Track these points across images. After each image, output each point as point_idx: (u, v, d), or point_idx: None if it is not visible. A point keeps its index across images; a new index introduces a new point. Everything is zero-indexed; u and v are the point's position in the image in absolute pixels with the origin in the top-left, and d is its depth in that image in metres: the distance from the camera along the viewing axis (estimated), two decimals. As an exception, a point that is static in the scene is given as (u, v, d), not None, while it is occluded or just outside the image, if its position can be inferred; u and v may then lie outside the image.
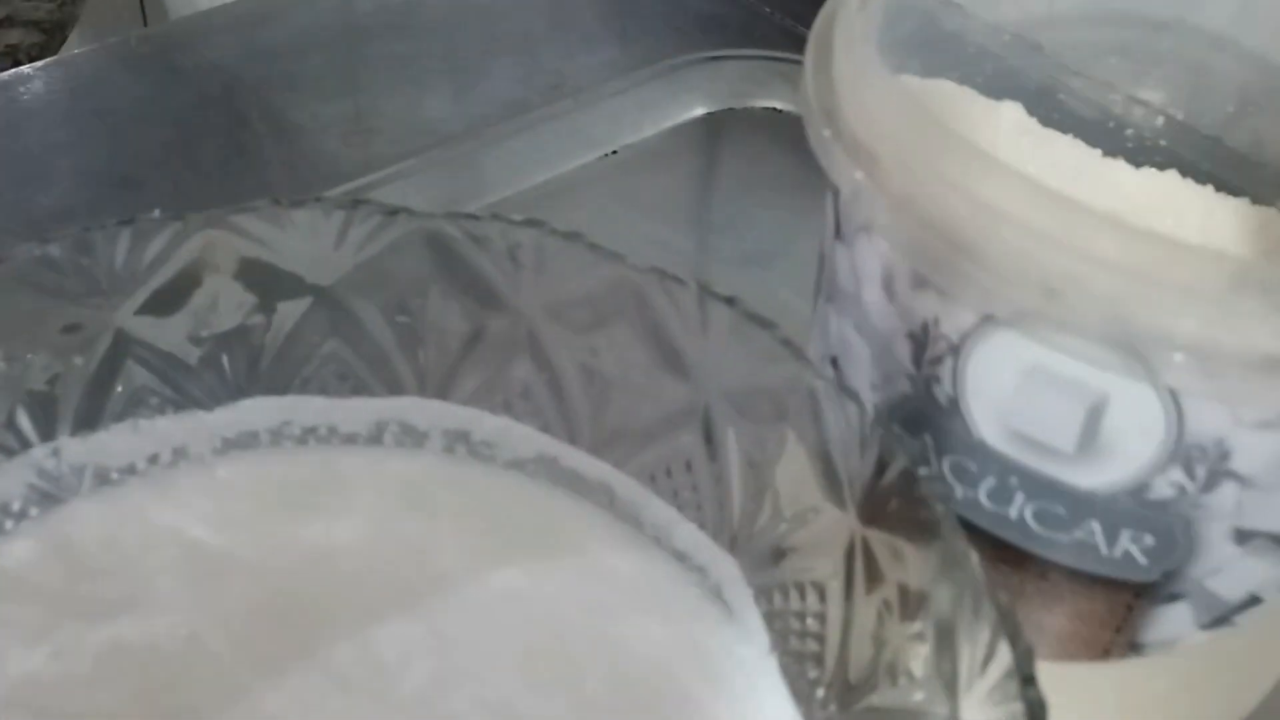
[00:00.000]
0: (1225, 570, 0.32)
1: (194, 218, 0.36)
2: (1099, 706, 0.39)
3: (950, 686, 0.29)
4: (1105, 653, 0.35)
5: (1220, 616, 0.34)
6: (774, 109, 0.66)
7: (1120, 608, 0.34)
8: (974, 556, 0.29)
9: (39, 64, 0.65)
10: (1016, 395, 0.31)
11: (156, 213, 0.35)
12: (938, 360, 0.32)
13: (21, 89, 0.63)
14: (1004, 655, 0.28)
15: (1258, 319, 0.27)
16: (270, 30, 0.67)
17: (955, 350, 0.32)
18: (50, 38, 0.87)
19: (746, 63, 0.66)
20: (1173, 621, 0.34)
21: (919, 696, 0.30)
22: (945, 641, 0.30)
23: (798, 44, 0.63)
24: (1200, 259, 0.28)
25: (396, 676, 0.34)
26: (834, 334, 0.37)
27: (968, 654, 0.29)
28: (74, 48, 0.86)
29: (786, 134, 0.66)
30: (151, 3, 0.97)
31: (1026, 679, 0.27)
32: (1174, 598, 0.33)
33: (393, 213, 0.37)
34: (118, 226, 0.35)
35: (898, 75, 0.36)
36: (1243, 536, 0.31)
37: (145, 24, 0.97)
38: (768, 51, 0.67)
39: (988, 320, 0.30)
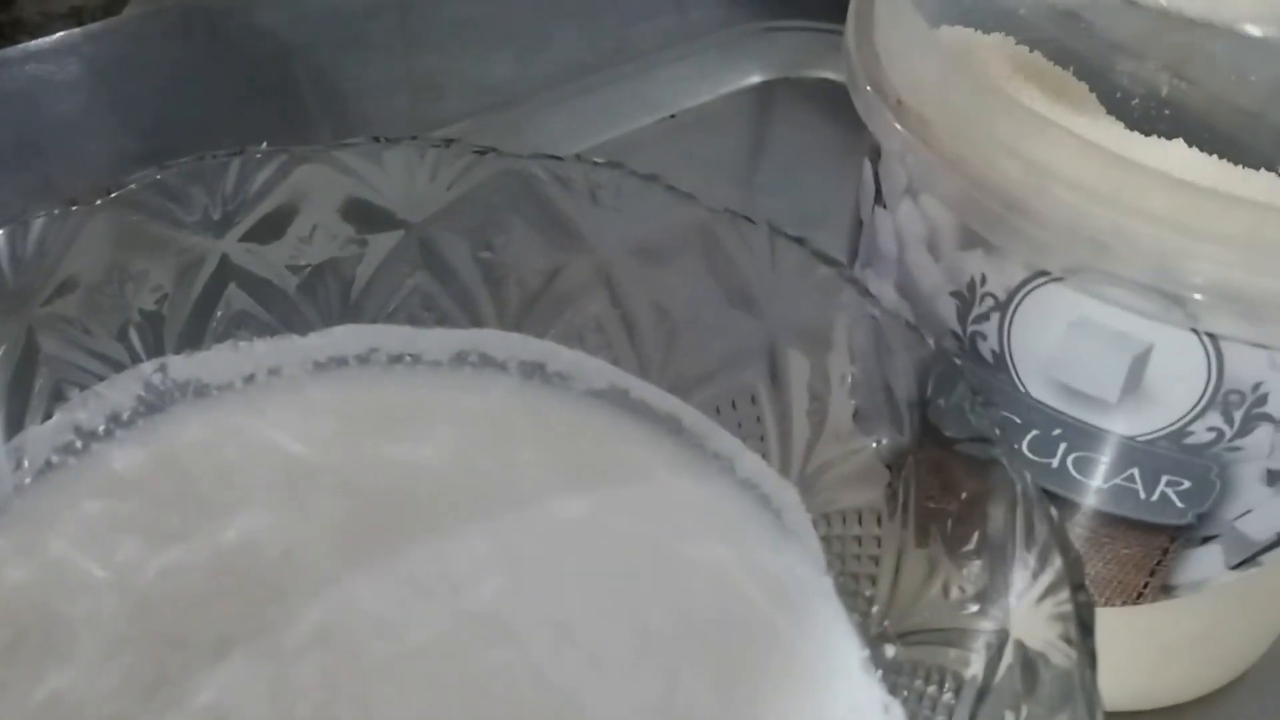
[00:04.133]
0: (1256, 511, 0.34)
1: (298, 151, 0.38)
2: (1128, 649, 0.41)
3: (1001, 600, 0.32)
4: (1139, 596, 0.38)
5: (1249, 557, 0.36)
6: (825, 79, 0.68)
7: (1156, 552, 0.36)
8: (1027, 475, 0.31)
9: (102, 22, 0.67)
10: (1062, 348, 0.33)
11: (265, 145, 0.38)
12: (983, 317, 0.35)
13: (88, 48, 0.65)
14: (1055, 565, 0.30)
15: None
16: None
17: (1002, 307, 0.34)
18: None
19: (800, 34, 0.68)
20: (1204, 563, 0.36)
21: (971, 610, 0.33)
22: (997, 557, 0.32)
23: (851, 17, 0.65)
24: (1244, 211, 0.30)
25: (467, 589, 0.36)
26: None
27: (1019, 568, 0.31)
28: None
29: (836, 104, 0.68)
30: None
31: (1077, 586, 0.29)
32: (1206, 540, 0.35)
33: (482, 153, 0.39)
34: (227, 157, 0.38)
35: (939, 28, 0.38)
36: (1274, 478, 0.33)
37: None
38: (821, 23, 0.69)
39: (1036, 276, 0.32)
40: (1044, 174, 0.30)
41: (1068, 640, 0.29)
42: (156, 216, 0.38)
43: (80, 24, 0.66)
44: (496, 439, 0.40)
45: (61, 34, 0.63)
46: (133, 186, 0.37)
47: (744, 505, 0.39)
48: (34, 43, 0.62)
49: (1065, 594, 0.30)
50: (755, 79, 0.67)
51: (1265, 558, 0.36)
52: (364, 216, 0.40)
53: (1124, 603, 0.37)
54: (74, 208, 0.36)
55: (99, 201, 0.36)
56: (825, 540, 0.38)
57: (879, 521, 0.36)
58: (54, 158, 0.59)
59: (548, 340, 0.41)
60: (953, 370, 0.34)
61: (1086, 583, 0.32)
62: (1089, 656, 0.28)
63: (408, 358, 0.42)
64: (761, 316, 0.38)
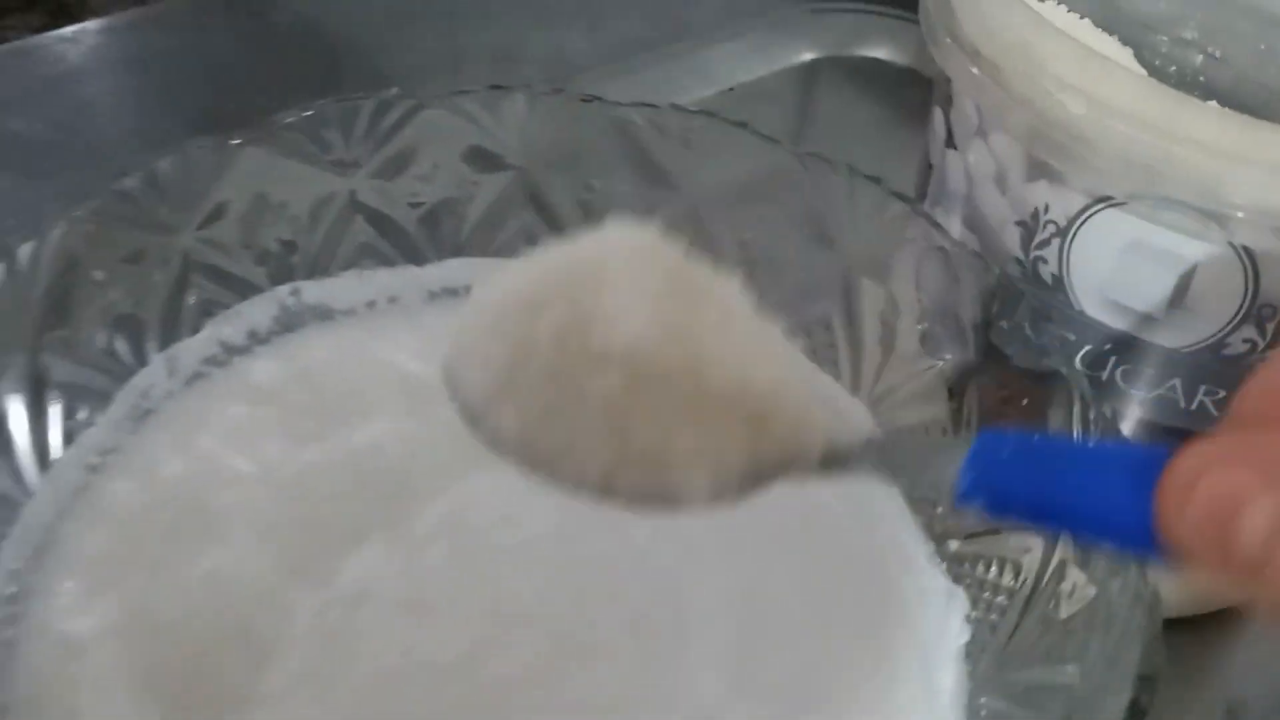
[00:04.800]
0: (1285, 420, 0.38)
1: (423, 96, 0.43)
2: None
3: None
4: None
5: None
6: (874, 59, 0.72)
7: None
8: (1083, 380, 0.35)
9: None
10: (1116, 268, 0.37)
11: (395, 90, 0.42)
12: (1045, 243, 0.39)
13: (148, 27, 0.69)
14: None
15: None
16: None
17: (1063, 233, 0.38)
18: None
19: (852, 15, 0.73)
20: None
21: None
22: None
23: (900, 1, 0.70)
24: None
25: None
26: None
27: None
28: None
29: (882, 84, 0.72)
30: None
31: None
32: (1239, 445, 0.39)
33: (587, 100, 0.43)
34: (359, 100, 0.42)
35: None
36: (1301, 388, 0.37)
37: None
38: (866, 5, 0.73)
39: (1095, 202, 0.37)
40: (1103, 109, 0.34)
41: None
42: (296, 153, 0.42)
43: (142, 3, 0.70)
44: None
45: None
46: (279, 124, 0.41)
47: (819, 421, 0.43)
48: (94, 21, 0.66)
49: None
50: (807, 56, 0.71)
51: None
52: (478, 159, 0.44)
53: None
54: (231, 142, 0.40)
55: (247, 138, 0.41)
56: (893, 452, 0.42)
57: (943, 433, 0.40)
58: (126, 123, 0.63)
59: (642, 273, 0.45)
60: (1015, 294, 0.38)
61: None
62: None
63: (512, 289, 0.46)
64: (838, 250, 0.42)
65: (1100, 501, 0.24)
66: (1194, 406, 0.38)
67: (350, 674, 0.34)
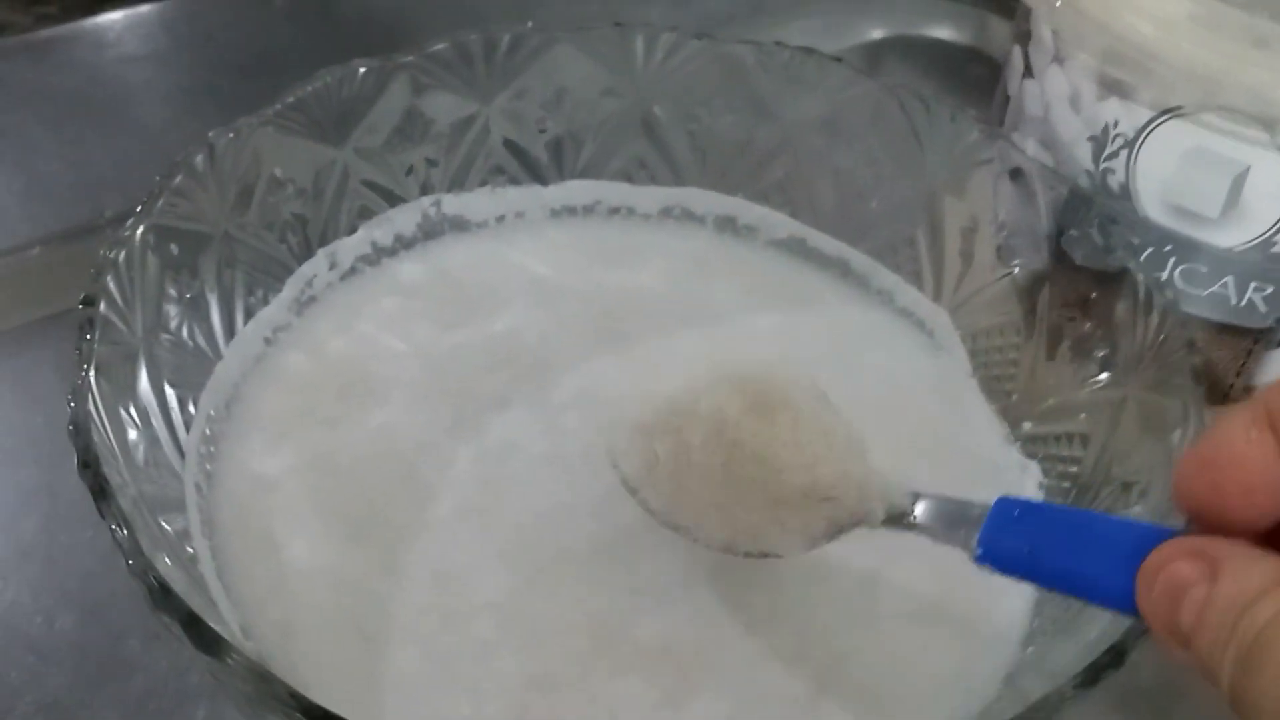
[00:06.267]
0: (1325, 315, 0.43)
1: (554, 30, 0.48)
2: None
3: (1124, 373, 0.41)
4: (1225, 398, 0.46)
5: (1315, 361, 0.45)
6: (938, 39, 0.77)
7: (1241, 353, 0.45)
8: (1144, 273, 0.40)
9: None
10: (1177, 174, 0.42)
11: (530, 24, 0.48)
12: (1114, 155, 0.44)
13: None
14: (1169, 334, 0.39)
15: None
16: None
17: (1130, 144, 0.43)
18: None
19: (916, -2, 0.78)
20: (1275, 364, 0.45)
21: (1097, 385, 0.42)
22: (1122, 340, 0.41)
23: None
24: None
25: (687, 367, 0.45)
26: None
27: (1139, 344, 0.40)
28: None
29: (944, 64, 0.77)
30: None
31: (1190, 344, 0.38)
32: (1283, 344, 0.44)
33: (699, 38, 0.49)
34: (498, 33, 0.48)
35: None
36: (1339, 285, 0.42)
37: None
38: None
39: (1161, 114, 0.42)
40: (1170, 28, 0.39)
41: (1179, 385, 0.38)
42: (442, 79, 0.47)
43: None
44: (698, 273, 0.49)
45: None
46: (428, 50, 0.47)
47: (904, 327, 0.48)
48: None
49: (1180, 353, 0.38)
50: (877, 34, 0.77)
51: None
52: (598, 89, 0.49)
53: (1213, 404, 0.46)
54: (387, 64, 0.45)
55: (398, 64, 0.46)
56: (971, 352, 0.47)
57: (1018, 332, 0.45)
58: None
59: (739, 198, 0.51)
60: (1084, 204, 0.43)
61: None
62: (1197, 379, 0.37)
63: (624, 210, 0.51)
64: (923, 173, 0.47)
65: (1092, 571, 0.29)
66: (1243, 302, 0.43)
67: (503, 511, 0.39)
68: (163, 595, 0.29)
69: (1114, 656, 0.31)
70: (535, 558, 0.38)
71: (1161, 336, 0.39)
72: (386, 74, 0.46)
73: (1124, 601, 0.28)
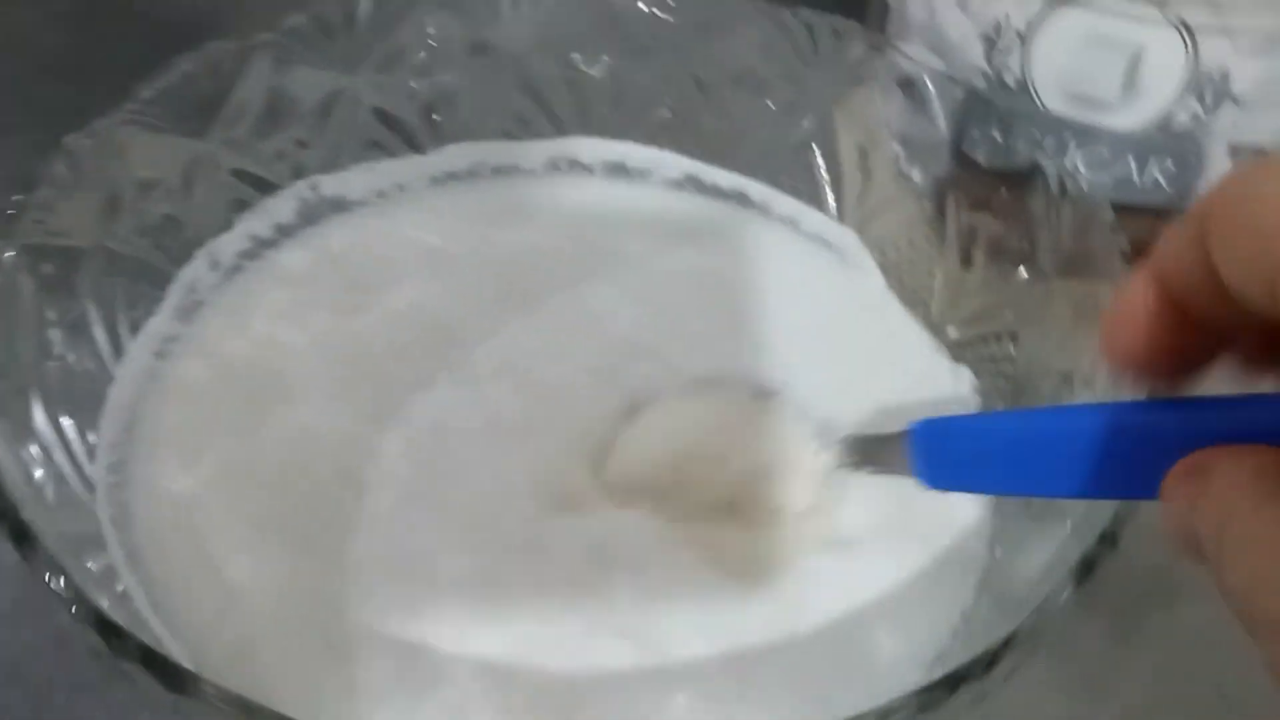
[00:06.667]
0: (1223, 186, 0.44)
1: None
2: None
3: (1045, 269, 0.40)
4: (1133, 278, 0.47)
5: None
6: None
7: (1145, 230, 0.45)
8: (1055, 166, 0.40)
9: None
10: (1072, 62, 0.42)
11: (389, -15, 0.45)
12: (1007, 50, 0.43)
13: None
14: (1096, 220, 0.39)
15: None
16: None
17: (1023, 37, 0.43)
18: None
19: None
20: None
21: (1020, 279, 0.41)
22: (1036, 228, 0.41)
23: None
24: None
25: (605, 321, 0.44)
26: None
27: (1055, 233, 0.40)
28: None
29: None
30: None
31: (1113, 225, 0.38)
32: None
33: (563, -17, 0.47)
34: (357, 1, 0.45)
35: None
36: (1235, 151, 0.43)
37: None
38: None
39: (1052, 3, 0.41)
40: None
41: (1107, 268, 0.38)
42: (302, 55, 0.44)
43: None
44: (595, 223, 0.48)
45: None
46: (286, 26, 0.44)
47: (813, 250, 0.47)
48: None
49: (1105, 237, 0.38)
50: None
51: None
52: (468, 47, 0.47)
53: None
54: (246, 44, 0.43)
55: (257, 41, 0.43)
56: (884, 267, 0.46)
57: (929, 243, 0.45)
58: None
59: (627, 142, 0.49)
60: (983, 104, 0.43)
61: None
62: (1125, 259, 0.37)
63: (508, 168, 0.49)
64: (811, 94, 0.46)
65: (1045, 466, 0.27)
66: (1147, 182, 0.43)
67: (447, 492, 0.37)
68: (118, 639, 0.27)
69: (1107, 542, 0.30)
70: (494, 535, 0.36)
71: (1081, 224, 0.39)
72: (244, 56, 0.43)
73: (1090, 488, 0.27)
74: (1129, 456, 0.25)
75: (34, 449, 0.33)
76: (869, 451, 0.34)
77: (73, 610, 0.27)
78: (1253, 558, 0.21)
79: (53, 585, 0.27)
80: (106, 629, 0.27)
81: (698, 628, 0.35)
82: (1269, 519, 0.21)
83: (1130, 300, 0.25)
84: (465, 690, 0.33)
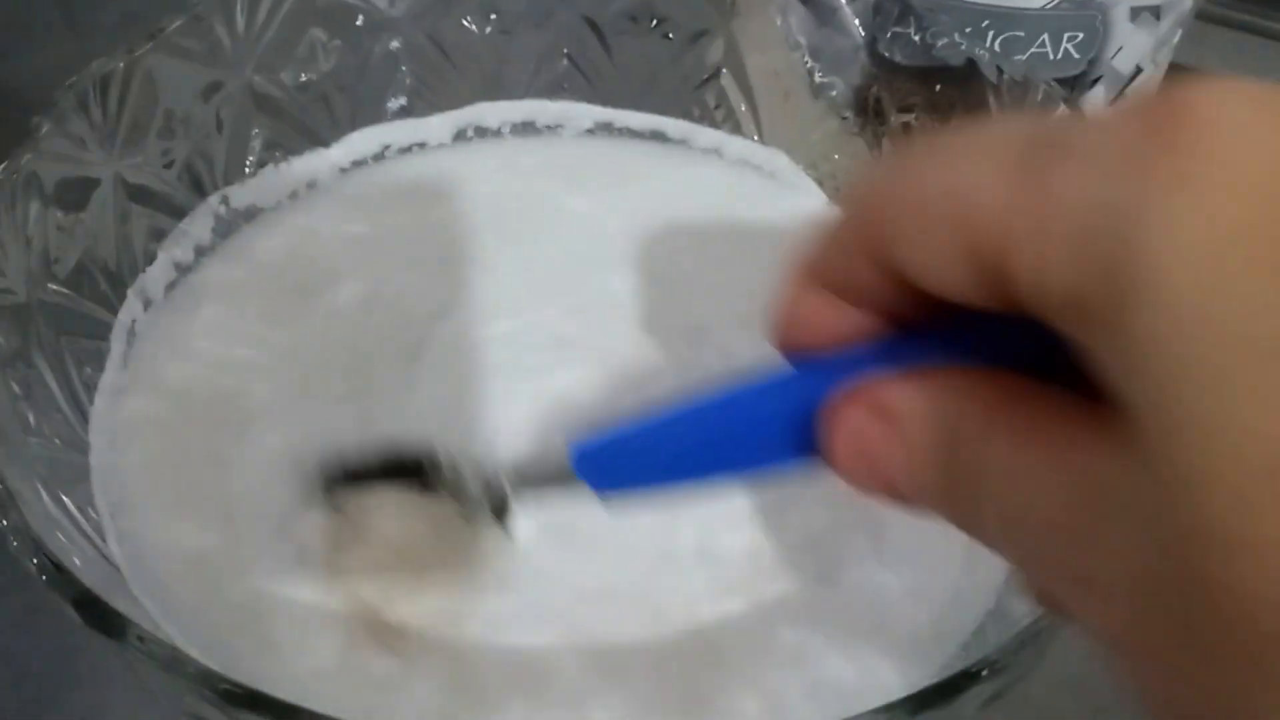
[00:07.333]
0: (1125, 48, 0.45)
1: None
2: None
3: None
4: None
5: (1120, 91, 0.47)
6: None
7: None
8: (984, 55, 0.40)
9: None
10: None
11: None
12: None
13: None
14: (1047, 100, 0.39)
15: None
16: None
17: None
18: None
19: None
20: (1094, 104, 0.47)
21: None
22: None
23: None
24: None
25: (559, 276, 0.42)
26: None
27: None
28: None
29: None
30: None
31: (1065, 100, 0.39)
32: (1094, 83, 0.46)
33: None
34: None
35: None
36: (1135, 13, 0.44)
37: None
38: None
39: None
40: None
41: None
42: (184, 63, 0.41)
43: None
44: (519, 184, 0.46)
45: None
46: (164, 35, 0.40)
47: (745, 175, 0.47)
48: None
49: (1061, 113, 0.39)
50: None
51: (1129, 90, 0.47)
52: (352, 28, 0.44)
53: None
54: (132, 54, 0.39)
55: (140, 53, 0.40)
56: (820, 181, 0.46)
57: (864, 151, 0.45)
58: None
59: (531, 100, 0.47)
60: (893, 2, 0.43)
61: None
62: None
63: (416, 146, 0.47)
64: (710, 19, 0.46)
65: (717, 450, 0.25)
66: (1060, 55, 0.44)
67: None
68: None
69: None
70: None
71: (1036, 106, 0.40)
72: (129, 71, 0.39)
73: (762, 460, 0.25)
74: (795, 422, 0.24)
75: (59, 534, 0.30)
76: (533, 476, 0.30)
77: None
78: (1003, 490, 0.19)
79: (144, 648, 0.25)
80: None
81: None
82: (1006, 441, 0.19)
83: (791, 307, 0.24)
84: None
